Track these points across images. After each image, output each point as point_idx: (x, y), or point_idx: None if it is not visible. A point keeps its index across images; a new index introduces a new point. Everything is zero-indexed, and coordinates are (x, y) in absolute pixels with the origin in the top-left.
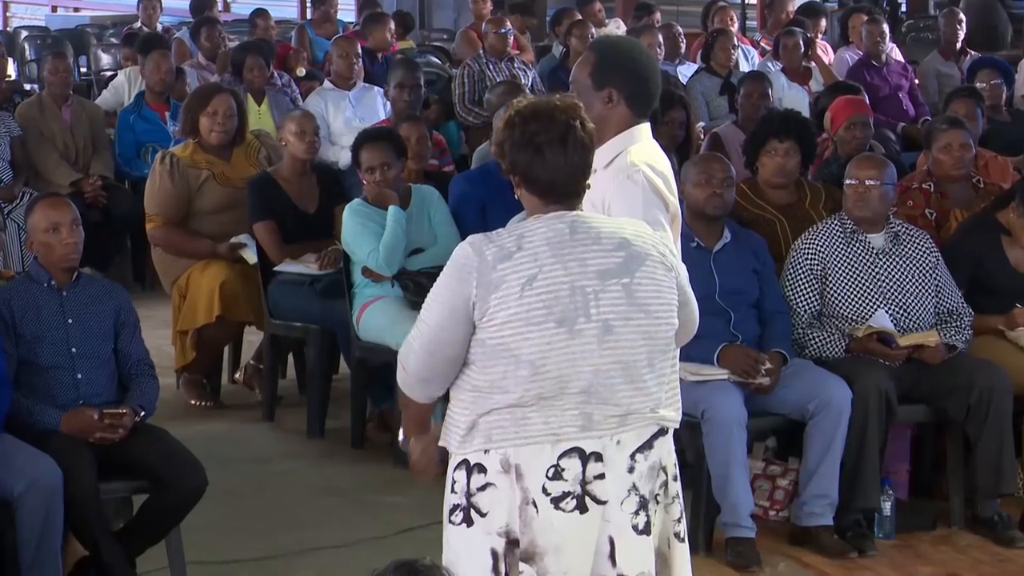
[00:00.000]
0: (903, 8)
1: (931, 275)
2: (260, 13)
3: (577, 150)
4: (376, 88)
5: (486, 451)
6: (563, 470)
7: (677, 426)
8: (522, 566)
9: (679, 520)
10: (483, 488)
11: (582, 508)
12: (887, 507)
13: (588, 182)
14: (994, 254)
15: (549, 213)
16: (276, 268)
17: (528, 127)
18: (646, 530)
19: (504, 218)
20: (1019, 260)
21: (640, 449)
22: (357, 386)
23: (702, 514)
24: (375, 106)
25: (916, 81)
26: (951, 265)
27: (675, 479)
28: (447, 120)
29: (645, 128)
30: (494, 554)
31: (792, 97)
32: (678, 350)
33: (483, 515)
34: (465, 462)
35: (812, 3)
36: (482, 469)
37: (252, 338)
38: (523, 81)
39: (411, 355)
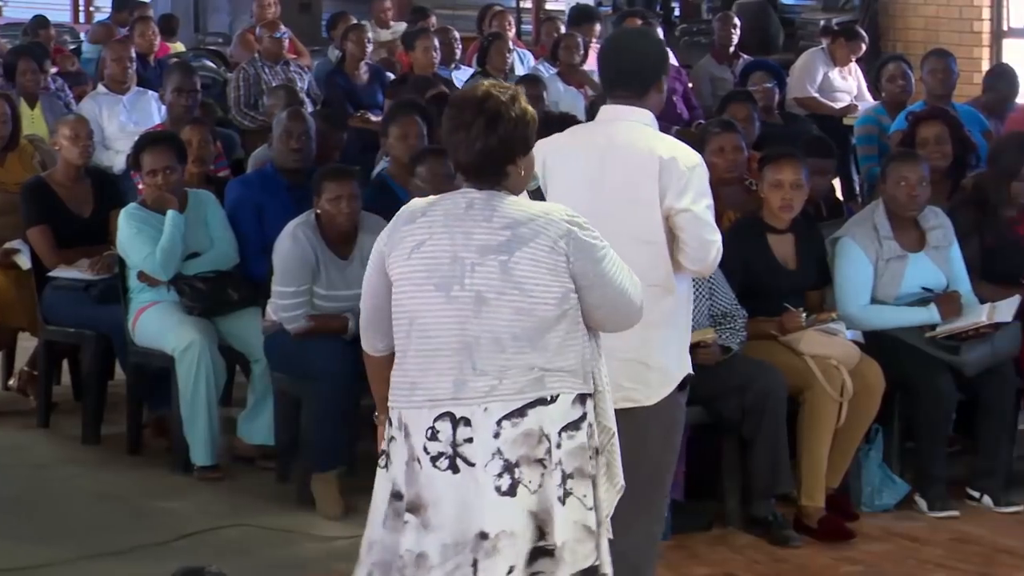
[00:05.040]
0: (677, 12)
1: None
2: (42, 23)
3: (489, 136)
4: (150, 92)
5: (391, 407)
6: (438, 432)
7: (574, 393)
8: (408, 516)
9: (560, 484)
10: (391, 440)
11: (454, 468)
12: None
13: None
14: (762, 254)
15: (462, 189)
16: (50, 274)
17: (451, 111)
18: (510, 492)
19: (281, 221)
20: (787, 257)
21: (508, 416)
22: (133, 391)
23: None
24: (149, 110)
25: (690, 84)
26: (721, 266)
27: (559, 447)
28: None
29: (603, 109)
30: (387, 501)
31: (568, 100)
32: (579, 327)
33: (389, 463)
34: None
35: (586, 8)
36: (391, 423)
37: (26, 344)
38: (299, 85)
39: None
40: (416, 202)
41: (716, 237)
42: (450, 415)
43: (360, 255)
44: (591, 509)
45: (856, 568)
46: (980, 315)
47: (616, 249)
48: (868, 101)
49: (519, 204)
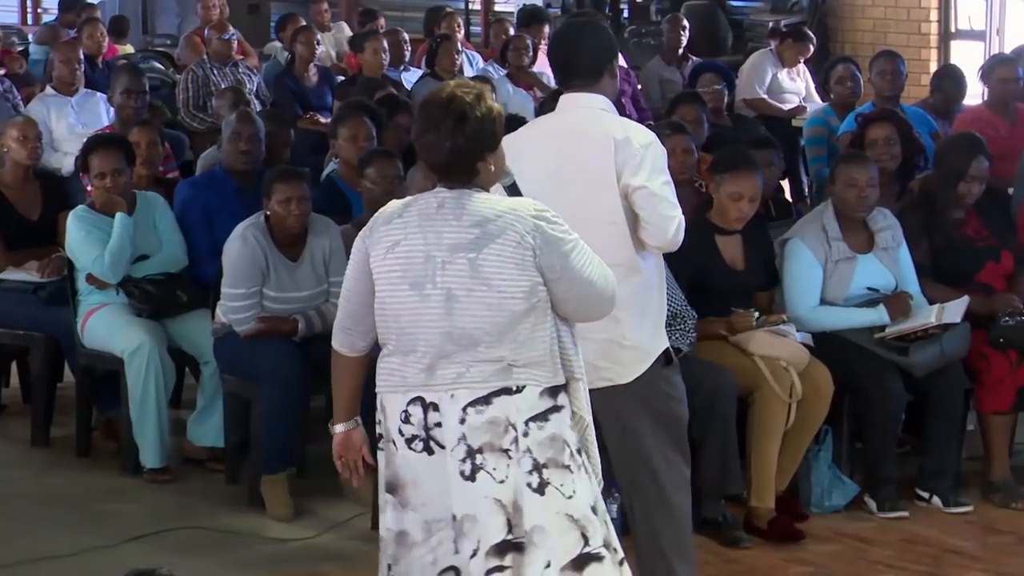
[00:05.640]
0: (626, 14)
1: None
2: None
3: (457, 135)
4: (99, 94)
5: (377, 392)
6: (410, 415)
7: (542, 385)
8: (386, 496)
9: (530, 472)
10: (378, 423)
11: (429, 451)
12: (613, 510)
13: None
14: (710, 255)
15: (435, 189)
16: None
17: (420, 114)
18: (471, 477)
19: (230, 223)
20: (735, 259)
21: (473, 404)
22: (82, 394)
23: None
24: (98, 112)
25: (639, 86)
26: (670, 267)
27: (526, 435)
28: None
29: (561, 100)
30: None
31: (517, 102)
32: (548, 317)
33: (383, 446)
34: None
35: (535, 10)
36: (377, 407)
37: None
38: (248, 86)
39: (339, 306)
40: (394, 203)
41: (676, 213)
42: (421, 400)
43: (310, 257)
44: (571, 498)
45: (806, 569)
46: (929, 316)
47: (580, 232)
48: (816, 102)
49: (489, 201)
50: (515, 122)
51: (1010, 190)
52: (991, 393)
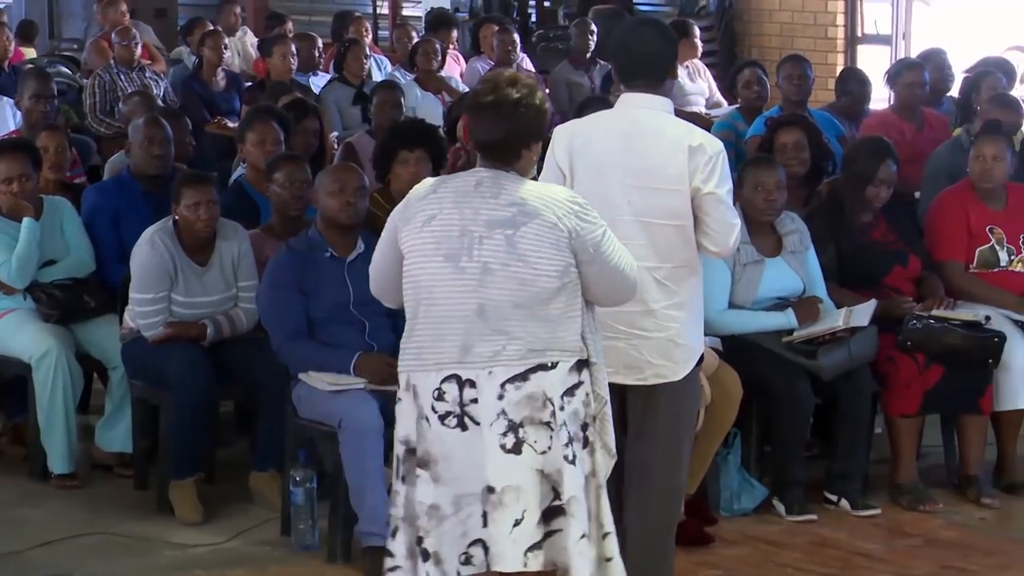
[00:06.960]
0: (533, 18)
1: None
2: None
3: (509, 120)
4: (5, 98)
5: (400, 372)
6: (444, 393)
7: (572, 361)
8: (419, 471)
9: (567, 444)
10: (398, 401)
11: (463, 426)
12: None
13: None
14: None
15: (474, 169)
16: None
17: (485, 88)
18: (515, 450)
19: (138, 228)
20: None
21: (511, 380)
22: None
23: (339, 523)
24: (4, 116)
25: (547, 90)
26: None
27: (562, 409)
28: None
29: (623, 97)
30: (397, 458)
31: (426, 107)
32: (578, 300)
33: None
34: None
35: (443, 14)
36: (400, 386)
37: None
38: (155, 91)
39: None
40: (428, 180)
41: (737, 221)
42: (456, 377)
43: (219, 262)
44: (586, 473)
45: (715, 572)
46: (836, 320)
47: (645, 231)
48: (720, 102)
49: (524, 184)
50: (418, 128)
51: (917, 194)
52: (898, 396)
